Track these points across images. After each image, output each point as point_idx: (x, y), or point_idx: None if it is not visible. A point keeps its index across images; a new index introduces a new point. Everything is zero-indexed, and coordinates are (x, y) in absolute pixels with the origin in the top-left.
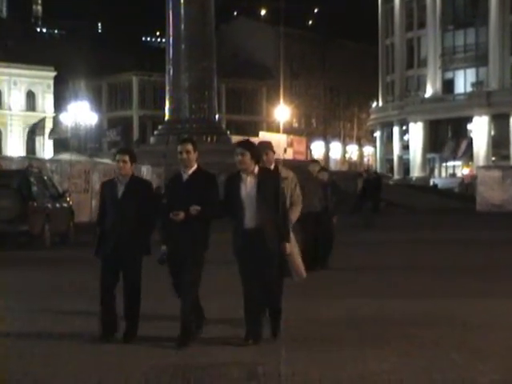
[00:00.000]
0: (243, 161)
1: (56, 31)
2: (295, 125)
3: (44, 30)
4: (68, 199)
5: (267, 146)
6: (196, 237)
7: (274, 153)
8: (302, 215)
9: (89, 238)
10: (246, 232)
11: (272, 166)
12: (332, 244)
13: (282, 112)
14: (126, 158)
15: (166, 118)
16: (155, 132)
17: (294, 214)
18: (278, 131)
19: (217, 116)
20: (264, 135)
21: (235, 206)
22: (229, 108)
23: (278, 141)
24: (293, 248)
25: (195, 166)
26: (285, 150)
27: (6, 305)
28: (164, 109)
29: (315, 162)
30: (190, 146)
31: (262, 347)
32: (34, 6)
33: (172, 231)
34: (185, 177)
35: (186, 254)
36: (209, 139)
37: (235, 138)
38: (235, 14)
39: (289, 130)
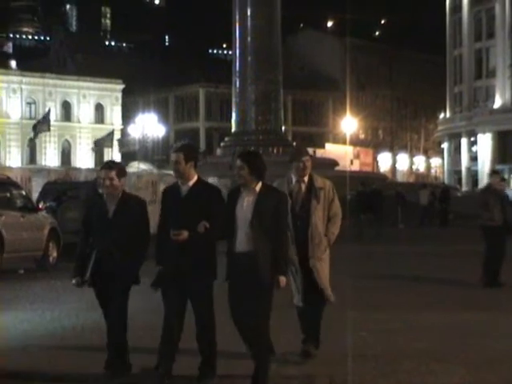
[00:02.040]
0: (241, 175)
1: (124, 44)
2: (361, 136)
3: (112, 44)
4: None
5: (303, 152)
6: (201, 262)
7: (310, 157)
8: (484, 228)
9: (153, 249)
10: (236, 256)
11: (308, 175)
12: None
13: (349, 123)
14: (112, 174)
15: (233, 129)
16: (221, 144)
17: (335, 227)
18: (344, 143)
19: (283, 128)
20: (330, 147)
21: (229, 225)
22: (295, 120)
23: (345, 152)
24: (324, 270)
25: (195, 178)
26: (351, 162)
27: None
28: (230, 120)
29: (496, 173)
30: (177, 156)
31: (328, 359)
32: (102, 20)
33: (171, 255)
34: (184, 189)
35: (188, 283)
36: (275, 151)
37: None
38: (301, 26)
39: (355, 142)
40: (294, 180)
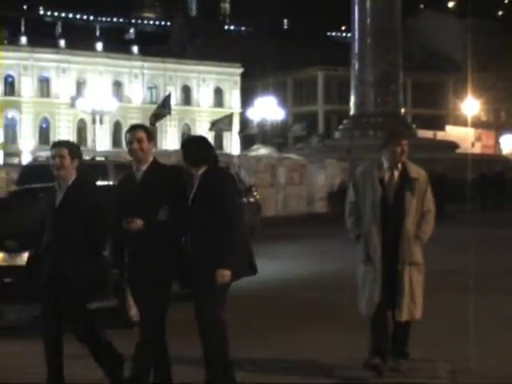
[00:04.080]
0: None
1: (243, 28)
2: (483, 118)
3: (231, 28)
4: (255, 193)
5: (402, 134)
6: (160, 255)
7: (408, 141)
8: None
9: (275, 231)
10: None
11: (400, 163)
12: None
13: (470, 105)
14: (64, 152)
15: (351, 112)
16: (340, 127)
17: (428, 225)
18: (465, 125)
19: (402, 110)
20: (451, 129)
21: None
22: (414, 102)
23: (466, 135)
24: (418, 280)
25: (151, 160)
26: (472, 144)
27: None
28: (349, 103)
29: None
30: (142, 134)
31: (450, 344)
32: (221, 4)
33: (129, 247)
34: (139, 175)
35: (145, 278)
36: None
37: (421, 133)
38: (422, 6)
39: (477, 124)
40: (385, 166)
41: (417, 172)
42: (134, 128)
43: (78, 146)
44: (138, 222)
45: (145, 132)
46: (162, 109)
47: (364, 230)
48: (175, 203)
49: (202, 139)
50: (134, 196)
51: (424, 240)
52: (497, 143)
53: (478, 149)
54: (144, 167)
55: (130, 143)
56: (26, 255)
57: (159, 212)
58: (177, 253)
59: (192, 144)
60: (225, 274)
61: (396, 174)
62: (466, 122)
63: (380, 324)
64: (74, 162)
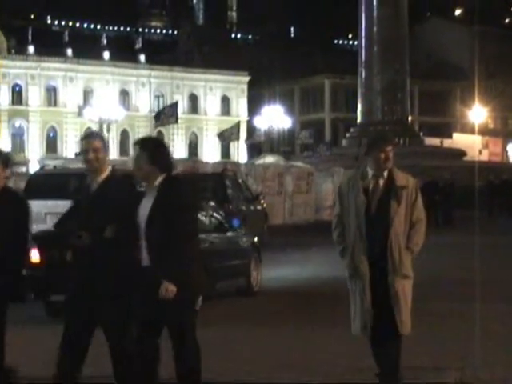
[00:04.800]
0: (140, 166)
1: (250, 36)
2: (490, 126)
3: (238, 36)
4: (262, 202)
5: (386, 140)
6: (111, 275)
7: (394, 147)
8: None
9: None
10: (143, 270)
11: (386, 171)
12: None
13: (477, 113)
14: (98, 143)
15: (358, 120)
16: (347, 134)
17: (419, 236)
18: (472, 132)
19: (409, 118)
20: (458, 137)
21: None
22: (422, 109)
23: (473, 142)
24: (406, 294)
25: (108, 171)
26: (480, 152)
27: None
28: (356, 111)
29: None
30: (98, 143)
31: (459, 352)
32: (229, 13)
33: (78, 265)
34: (93, 186)
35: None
36: (402, 141)
37: (428, 140)
38: (428, 14)
39: (484, 131)
40: (370, 174)
41: (404, 180)
42: (89, 136)
43: (10, 157)
44: (85, 239)
45: (101, 141)
46: (169, 117)
47: (349, 242)
48: (126, 219)
49: (162, 141)
50: (86, 209)
51: (415, 251)
52: (504, 151)
53: (485, 156)
54: (99, 178)
55: (85, 152)
56: None
57: (107, 229)
58: (127, 270)
59: (161, 146)
60: (169, 289)
61: (381, 182)
62: (473, 130)
63: (377, 342)
64: (5, 172)
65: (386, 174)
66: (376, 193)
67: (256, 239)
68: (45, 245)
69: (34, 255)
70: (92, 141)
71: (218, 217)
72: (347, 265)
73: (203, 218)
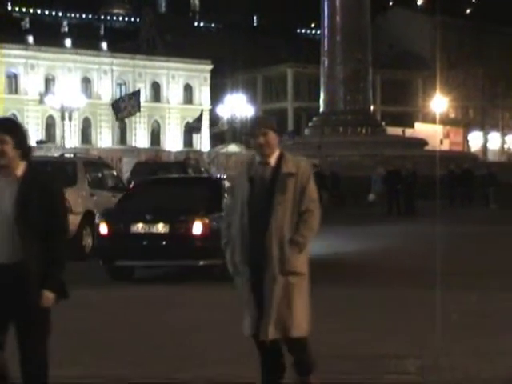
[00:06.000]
0: (3, 151)
1: (213, 25)
2: (452, 115)
3: (201, 24)
4: None
5: (262, 123)
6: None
7: (279, 135)
8: None
9: None
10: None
11: (274, 155)
12: None
13: (439, 103)
14: (7, 138)
15: (321, 109)
16: (310, 124)
17: (307, 228)
18: (433, 122)
19: (372, 107)
20: (420, 126)
21: None
22: (384, 99)
23: (434, 132)
24: (300, 292)
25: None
26: (441, 142)
27: None
28: (319, 100)
29: None
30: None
31: (419, 341)
32: (191, 1)
33: None
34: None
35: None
36: (364, 131)
37: (390, 130)
38: (391, 4)
39: (445, 121)
40: (257, 160)
41: (293, 166)
42: None
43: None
44: None
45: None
46: (132, 108)
47: (232, 235)
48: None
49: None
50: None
51: (303, 245)
52: (465, 140)
53: (446, 146)
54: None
55: None
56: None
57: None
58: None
59: (22, 128)
60: (49, 297)
61: (268, 169)
62: (435, 120)
63: (264, 346)
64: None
65: (273, 160)
66: (262, 181)
67: None
68: (111, 219)
69: (103, 228)
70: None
71: None
72: (227, 261)
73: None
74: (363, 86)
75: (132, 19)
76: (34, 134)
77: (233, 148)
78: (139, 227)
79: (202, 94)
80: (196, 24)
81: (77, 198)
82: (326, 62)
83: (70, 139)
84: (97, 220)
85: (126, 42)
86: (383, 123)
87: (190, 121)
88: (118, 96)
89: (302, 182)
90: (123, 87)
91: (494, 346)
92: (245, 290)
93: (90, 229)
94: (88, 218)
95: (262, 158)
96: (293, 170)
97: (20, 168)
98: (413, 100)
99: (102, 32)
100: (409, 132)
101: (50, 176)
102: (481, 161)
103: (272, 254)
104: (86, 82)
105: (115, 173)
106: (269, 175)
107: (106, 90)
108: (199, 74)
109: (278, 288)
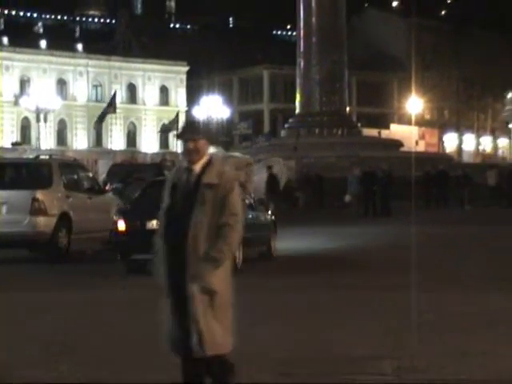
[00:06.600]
0: None
1: (188, 26)
2: (427, 117)
3: (177, 26)
4: None
5: (192, 129)
6: None
7: (210, 142)
8: None
9: None
10: None
11: (201, 162)
12: None
13: (414, 104)
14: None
15: (297, 110)
16: (286, 125)
17: (224, 242)
18: (409, 123)
19: (347, 108)
20: (395, 128)
21: None
22: (359, 100)
23: (410, 133)
24: (222, 305)
25: None
26: (416, 143)
27: None
28: (295, 102)
29: None
30: None
31: (395, 341)
32: (167, 3)
33: None
34: None
35: None
36: (340, 132)
37: (366, 131)
38: (366, 5)
39: (420, 122)
40: (184, 166)
41: (215, 176)
42: None
43: None
44: None
45: None
46: (108, 107)
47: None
48: None
49: None
50: None
51: (220, 261)
52: (440, 141)
53: (421, 147)
54: None
55: None
56: None
57: None
58: None
59: None
60: None
61: (193, 177)
62: (410, 121)
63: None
64: None
65: (199, 167)
66: (184, 189)
67: (273, 217)
68: (128, 216)
69: (120, 225)
70: None
71: None
72: (152, 271)
73: None
74: (339, 87)
75: (108, 20)
76: (9, 135)
77: (209, 149)
78: (154, 224)
79: (178, 95)
80: (172, 25)
81: (52, 200)
82: (302, 64)
83: (45, 141)
84: (114, 217)
85: (101, 44)
86: (359, 124)
87: (166, 122)
88: (93, 97)
89: (223, 193)
90: (99, 89)
91: (470, 347)
92: (166, 307)
93: (66, 231)
94: (64, 220)
95: (188, 164)
96: (214, 180)
97: None
98: (388, 101)
99: (77, 33)
100: (384, 133)
101: None
102: (456, 162)
103: (188, 271)
104: (62, 83)
105: (91, 175)
106: (192, 183)
107: (82, 91)
108: (175, 76)
109: (196, 303)
